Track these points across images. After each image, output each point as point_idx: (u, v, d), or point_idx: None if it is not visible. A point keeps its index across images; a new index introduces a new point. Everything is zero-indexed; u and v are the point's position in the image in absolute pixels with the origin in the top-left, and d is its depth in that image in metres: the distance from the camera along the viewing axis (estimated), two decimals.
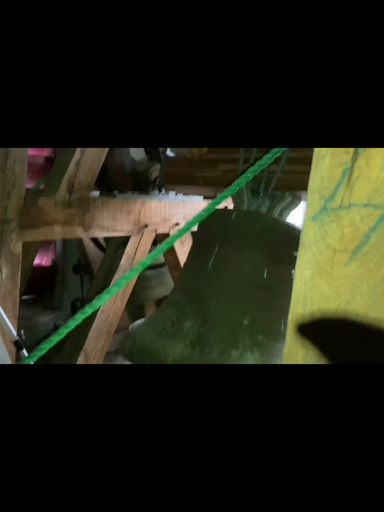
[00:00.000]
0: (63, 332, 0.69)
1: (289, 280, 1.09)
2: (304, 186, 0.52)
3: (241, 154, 1.34)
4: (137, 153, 2.28)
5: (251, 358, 1.07)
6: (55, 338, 0.68)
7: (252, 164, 1.15)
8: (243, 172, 1.18)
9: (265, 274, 1.16)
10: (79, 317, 0.69)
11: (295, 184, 1.24)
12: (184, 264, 1.43)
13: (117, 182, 2.05)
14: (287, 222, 1.29)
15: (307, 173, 0.51)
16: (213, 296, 1.19)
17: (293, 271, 0.54)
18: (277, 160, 1.16)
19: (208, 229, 1.30)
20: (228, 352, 1.09)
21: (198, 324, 1.16)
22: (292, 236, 1.17)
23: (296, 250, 0.53)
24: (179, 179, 1.78)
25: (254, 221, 1.22)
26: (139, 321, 1.40)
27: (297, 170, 1.21)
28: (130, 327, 1.39)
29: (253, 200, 1.28)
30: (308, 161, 0.51)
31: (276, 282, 1.16)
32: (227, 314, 1.15)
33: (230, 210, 1.29)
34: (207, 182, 1.63)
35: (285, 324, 1.11)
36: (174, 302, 1.31)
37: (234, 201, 1.33)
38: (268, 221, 1.25)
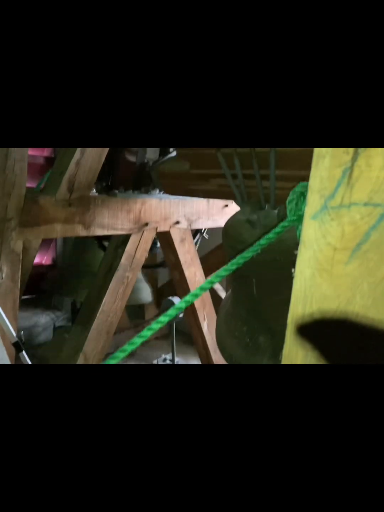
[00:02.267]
0: (146, 334, 0.70)
1: None
2: None
3: (226, 172, 1.37)
4: (152, 153, 2.28)
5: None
6: (131, 347, 0.68)
7: (242, 180, 1.23)
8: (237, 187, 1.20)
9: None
10: (164, 319, 0.69)
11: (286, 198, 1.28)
12: (232, 290, 1.52)
13: (123, 179, 2.06)
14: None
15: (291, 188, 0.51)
16: (269, 316, 1.25)
17: (293, 270, 0.54)
18: (266, 177, 1.22)
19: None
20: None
21: (269, 338, 1.25)
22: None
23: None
24: (179, 191, 1.80)
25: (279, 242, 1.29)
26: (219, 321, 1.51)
27: (286, 187, 1.24)
28: (217, 335, 1.50)
29: (260, 211, 1.32)
30: (296, 179, 0.51)
31: None
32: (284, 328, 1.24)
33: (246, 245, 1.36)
34: (206, 194, 1.66)
35: None
36: (238, 315, 1.38)
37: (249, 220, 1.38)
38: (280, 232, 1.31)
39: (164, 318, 0.68)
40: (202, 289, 0.72)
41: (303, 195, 0.67)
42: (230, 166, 1.35)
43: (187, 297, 0.70)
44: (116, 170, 2.15)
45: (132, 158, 2.20)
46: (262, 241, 0.76)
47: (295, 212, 0.69)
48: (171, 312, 0.69)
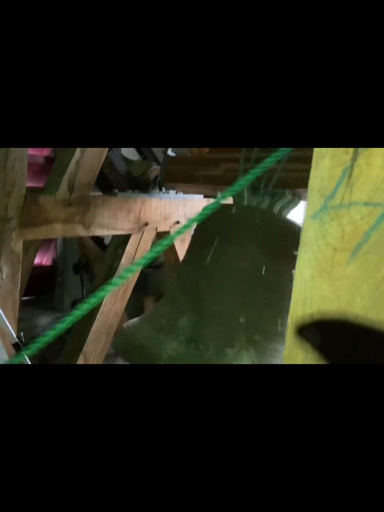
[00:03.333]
0: (59, 327, 0.69)
1: (287, 277, 1.09)
2: (304, 184, 0.52)
3: (242, 154, 1.34)
4: (130, 154, 2.28)
5: (247, 357, 1.06)
6: (53, 332, 0.67)
7: (255, 165, 1.15)
8: (245, 171, 1.18)
9: (263, 271, 1.15)
10: (84, 307, 0.68)
11: (295, 182, 1.24)
12: (183, 259, 1.42)
13: (116, 185, 2.05)
14: (287, 218, 1.28)
15: (307, 171, 0.50)
16: (210, 292, 1.18)
17: (293, 271, 0.54)
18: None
19: (207, 224, 1.29)
20: (223, 350, 1.08)
21: (194, 320, 1.14)
22: (292, 232, 1.16)
23: (296, 248, 0.53)
24: (179, 178, 1.78)
25: (254, 216, 1.21)
26: (134, 320, 1.39)
27: (297, 168, 1.20)
28: (125, 325, 1.38)
29: (253, 197, 1.28)
30: (308, 160, 0.51)
31: (274, 279, 1.15)
32: (224, 311, 1.14)
33: (230, 204, 1.28)
34: (207, 180, 1.64)
35: (282, 324, 1.11)
36: (170, 298, 1.30)
37: (234, 198, 1.33)
38: (268, 216, 1.24)
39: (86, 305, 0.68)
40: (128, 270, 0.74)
41: None
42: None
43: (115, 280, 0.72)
44: (108, 177, 2.14)
45: (112, 164, 2.18)
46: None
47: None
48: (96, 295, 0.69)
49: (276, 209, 1.28)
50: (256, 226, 1.19)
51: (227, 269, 1.19)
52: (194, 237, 1.43)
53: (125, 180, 2.09)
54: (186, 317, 1.16)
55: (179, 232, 0.75)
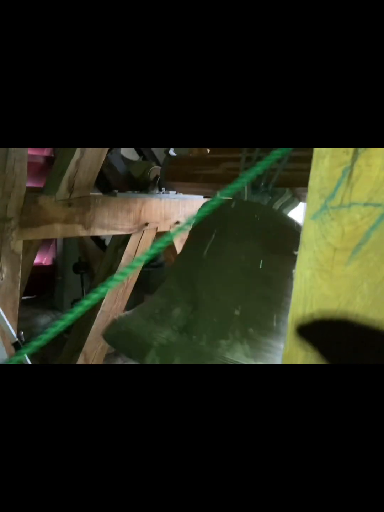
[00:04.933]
0: (59, 324, 0.69)
1: (285, 273, 1.09)
2: (304, 183, 0.52)
3: (243, 153, 1.34)
4: (129, 154, 2.28)
5: (241, 350, 1.05)
6: (54, 329, 0.67)
7: (255, 163, 1.15)
8: (246, 170, 1.18)
9: (260, 265, 1.14)
10: (85, 303, 0.68)
11: (296, 181, 1.24)
12: (180, 252, 1.41)
13: (116, 185, 2.05)
14: (286, 215, 1.28)
15: (307, 170, 0.50)
16: (206, 284, 1.17)
17: (292, 269, 0.54)
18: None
19: (206, 217, 1.29)
20: (217, 341, 1.07)
21: (188, 311, 1.13)
22: (290, 229, 1.16)
23: (294, 244, 0.53)
24: (179, 177, 1.78)
25: (254, 211, 1.21)
26: (127, 312, 1.37)
27: (298, 168, 1.20)
28: (116, 316, 1.37)
29: (253, 195, 1.28)
30: (308, 160, 0.51)
31: (271, 274, 1.14)
32: (219, 303, 1.13)
33: (230, 199, 1.28)
34: (207, 179, 1.64)
35: (278, 320, 1.11)
36: (165, 289, 1.29)
37: (234, 196, 1.33)
38: (267, 212, 1.24)
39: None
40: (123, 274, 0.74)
41: None
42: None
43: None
44: (107, 177, 2.14)
45: (112, 164, 2.18)
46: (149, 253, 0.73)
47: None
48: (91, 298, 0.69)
49: (275, 207, 1.28)
50: (255, 221, 1.19)
51: (224, 262, 1.18)
52: (192, 230, 1.42)
53: (125, 180, 2.09)
54: (179, 308, 1.15)
55: (180, 229, 0.75)
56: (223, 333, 1.08)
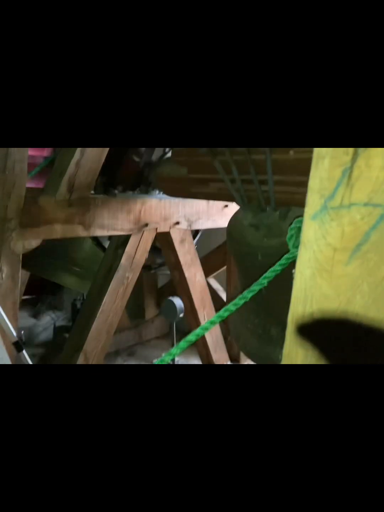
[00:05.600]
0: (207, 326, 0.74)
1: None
2: (297, 202, 0.53)
3: (225, 178, 1.38)
4: (154, 154, 2.29)
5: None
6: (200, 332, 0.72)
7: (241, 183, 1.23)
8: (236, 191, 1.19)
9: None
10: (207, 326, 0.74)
11: (290, 201, 1.28)
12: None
13: (124, 178, 2.05)
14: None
15: (294, 192, 0.51)
16: (275, 306, 1.24)
17: (293, 271, 0.54)
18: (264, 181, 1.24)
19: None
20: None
21: (279, 330, 1.26)
22: None
23: None
24: (181, 194, 1.83)
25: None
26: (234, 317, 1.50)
27: (283, 191, 1.26)
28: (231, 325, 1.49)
29: (261, 213, 1.33)
30: (294, 183, 0.51)
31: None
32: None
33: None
34: (207, 197, 1.69)
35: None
36: (250, 308, 1.38)
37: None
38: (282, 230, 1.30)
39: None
40: (219, 317, 0.80)
41: (300, 229, 0.74)
42: (228, 171, 1.36)
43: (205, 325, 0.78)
44: (118, 168, 2.14)
45: (136, 158, 2.19)
46: (270, 273, 0.84)
47: (294, 244, 0.78)
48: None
49: (287, 223, 1.32)
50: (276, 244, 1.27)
51: (278, 291, 1.30)
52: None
53: (138, 175, 2.11)
54: (274, 328, 1.33)
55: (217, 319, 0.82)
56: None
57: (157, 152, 2.27)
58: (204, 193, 1.65)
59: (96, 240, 2.59)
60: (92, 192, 1.90)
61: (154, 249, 2.48)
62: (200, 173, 1.57)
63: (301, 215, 1.33)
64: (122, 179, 2.05)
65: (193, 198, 1.77)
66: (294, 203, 1.26)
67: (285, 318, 1.20)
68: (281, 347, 1.17)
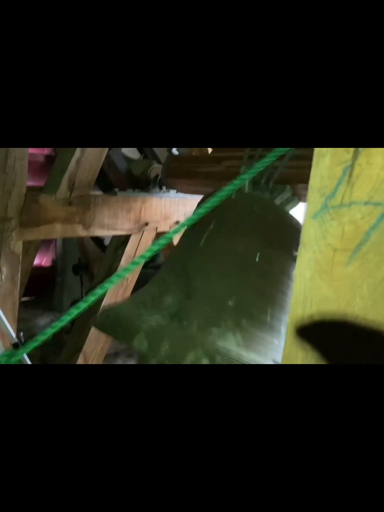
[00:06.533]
0: (57, 325, 0.69)
1: (281, 269, 1.08)
2: (305, 180, 0.52)
3: (246, 152, 1.34)
4: (130, 153, 2.27)
5: (232, 339, 1.04)
6: (52, 330, 0.67)
7: (257, 160, 1.15)
8: (247, 167, 1.18)
9: (257, 258, 1.13)
10: (82, 305, 0.69)
11: (297, 178, 1.24)
12: (177, 242, 1.40)
13: (116, 184, 2.04)
14: (285, 211, 1.29)
15: (308, 168, 0.50)
16: (201, 273, 1.16)
17: (292, 271, 0.54)
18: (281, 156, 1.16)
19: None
20: (208, 329, 1.05)
21: (180, 298, 1.12)
22: (289, 225, 1.16)
23: (292, 241, 0.53)
24: (180, 174, 1.78)
25: (253, 203, 1.20)
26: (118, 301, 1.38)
27: (299, 166, 1.21)
28: (106, 304, 1.35)
29: (254, 191, 1.28)
30: (309, 157, 0.50)
31: (267, 268, 1.13)
32: (213, 292, 1.13)
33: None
34: (208, 177, 1.64)
35: (271, 316, 1.10)
36: (159, 278, 1.29)
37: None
38: (267, 205, 1.24)
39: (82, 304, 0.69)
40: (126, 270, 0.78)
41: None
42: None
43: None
44: (108, 175, 2.13)
45: (113, 162, 2.17)
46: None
47: None
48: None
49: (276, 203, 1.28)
50: (254, 213, 1.18)
51: (221, 252, 1.17)
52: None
53: (125, 178, 2.08)
54: (172, 295, 1.14)
55: (175, 231, 0.76)
56: (215, 322, 1.07)
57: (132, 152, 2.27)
58: (206, 172, 1.62)
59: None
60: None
61: None
62: (220, 152, 1.54)
63: (286, 202, 1.29)
64: (116, 185, 2.04)
65: (193, 178, 1.72)
66: (296, 182, 1.24)
67: (201, 286, 1.13)
68: (164, 316, 1.09)
